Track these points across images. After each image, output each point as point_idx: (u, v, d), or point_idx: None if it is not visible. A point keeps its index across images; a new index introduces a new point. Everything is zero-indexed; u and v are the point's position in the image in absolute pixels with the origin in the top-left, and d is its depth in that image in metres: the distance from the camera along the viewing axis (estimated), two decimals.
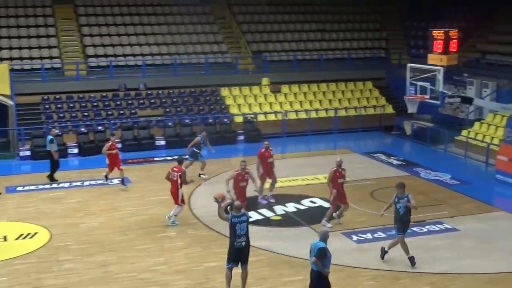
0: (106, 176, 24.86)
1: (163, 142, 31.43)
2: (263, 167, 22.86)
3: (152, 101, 34.29)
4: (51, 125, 30.71)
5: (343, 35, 41.73)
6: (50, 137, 25.79)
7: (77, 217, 21.53)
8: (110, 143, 24.57)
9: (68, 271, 17.21)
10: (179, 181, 20.56)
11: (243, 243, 15.46)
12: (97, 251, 18.57)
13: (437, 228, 20.42)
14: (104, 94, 34.00)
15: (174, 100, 34.71)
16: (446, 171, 26.88)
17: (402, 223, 17.45)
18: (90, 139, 30.70)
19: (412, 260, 17.56)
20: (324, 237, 14.16)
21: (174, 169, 20.84)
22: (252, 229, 20.07)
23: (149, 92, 34.76)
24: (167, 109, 33.86)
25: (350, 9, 43.81)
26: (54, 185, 25.21)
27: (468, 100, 29.03)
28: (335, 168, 20.30)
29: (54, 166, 25.74)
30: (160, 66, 36.46)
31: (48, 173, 25.71)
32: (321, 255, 13.87)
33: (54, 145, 25.57)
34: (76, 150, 30.20)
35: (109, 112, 32.92)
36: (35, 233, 20.00)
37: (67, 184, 25.39)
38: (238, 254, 15.51)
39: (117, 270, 17.23)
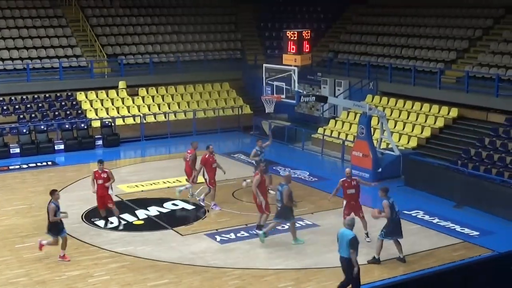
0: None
1: (17, 150, 30.40)
2: (208, 172, 22.41)
3: (5, 107, 33.11)
4: None
5: (199, 36, 41.78)
6: None
7: None
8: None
9: None
10: (190, 162, 22.81)
11: None
12: None
13: (298, 225, 20.77)
14: None
15: (28, 106, 33.65)
16: (304, 168, 27.49)
17: None
18: None
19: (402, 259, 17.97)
20: (352, 225, 15.37)
21: (188, 152, 23.22)
22: (114, 235, 20.06)
23: (0, 98, 33.53)
24: (21, 116, 32.78)
25: (205, 10, 43.90)
26: None
27: (322, 99, 29.77)
28: (343, 179, 19.36)
29: None
30: (11, 71, 35.22)
31: None
32: (356, 245, 15.07)
33: None
34: None
35: None
36: None
37: None
38: None
39: None
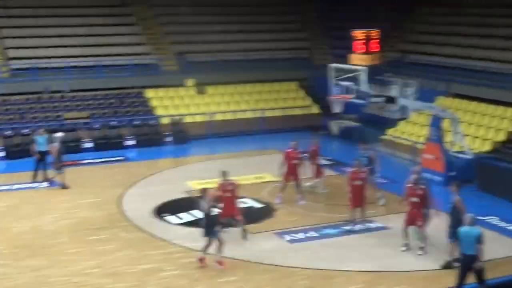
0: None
1: (90, 145, 30.95)
2: (287, 167, 22.73)
3: (78, 103, 33.75)
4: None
5: (268, 35, 41.77)
6: (38, 136, 25.39)
7: (7, 222, 21.09)
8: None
9: (0, 276, 16.79)
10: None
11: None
12: (29, 255, 18.19)
13: (368, 227, 20.65)
14: (28, 97, 33.30)
15: (100, 102, 34.23)
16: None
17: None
18: (16, 142, 29.98)
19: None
20: (473, 222, 15.30)
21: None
22: (184, 230, 20.22)
23: (74, 94, 34.18)
24: (93, 112, 33.36)
25: (273, 9, 43.89)
26: None
27: (392, 100, 29.41)
28: (409, 185, 18.81)
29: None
30: (84, 68, 35.87)
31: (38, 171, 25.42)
32: (483, 240, 15.02)
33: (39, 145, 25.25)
34: (2, 154, 29.53)
35: (34, 115, 32.24)
36: None
37: None
38: None
39: (50, 274, 16.90)
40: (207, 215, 17.16)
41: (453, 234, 16.78)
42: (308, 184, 23.99)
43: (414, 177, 18.94)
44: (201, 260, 17.37)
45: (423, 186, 18.72)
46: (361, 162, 21.05)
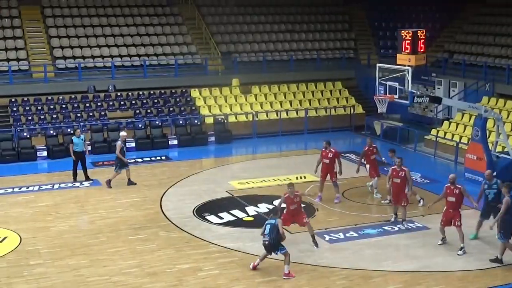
0: None
1: (133, 144, 31.23)
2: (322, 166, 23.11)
3: (122, 103, 34.11)
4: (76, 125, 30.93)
5: (312, 35, 41.82)
6: (74, 137, 25.72)
7: (47, 221, 21.31)
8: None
9: (39, 275, 17.02)
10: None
11: (266, 242, 17.01)
12: (68, 254, 18.39)
13: (408, 227, 20.53)
14: (72, 96, 33.74)
15: (144, 101, 34.56)
16: (416, 170, 26.95)
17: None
18: (59, 141, 30.36)
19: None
20: None
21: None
22: (224, 230, 20.34)
23: (118, 94, 34.57)
24: (137, 111, 33.69)
25: (319, 9, 43.91)
26: (23, 189, 24.90)
27: (436, 100, 29.17)
28: (447, 185, 18.96)
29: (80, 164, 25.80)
30: (129, 67, 36.28)
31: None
32: None
33: (74, 145, 25.51)
34: (45, 153, 29.88)
35: (78, 115, 32.67)
36: (5, 238, 19.77)
37: (36, 188, 25.13)
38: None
39: (89, 274, 17.08)
40: (276, 234, 17.02)
41: (504, 235, 17.34)
42: (368, 183, 23.97)
43: (451, 176, 19.01)
44: (255, 267, 17.40)
45: (459, 186, 18.77)
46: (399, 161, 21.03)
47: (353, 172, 23.91)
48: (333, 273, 17.26)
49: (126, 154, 25.48)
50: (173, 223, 20.97)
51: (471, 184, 25.37)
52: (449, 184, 18.80)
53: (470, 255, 18.34)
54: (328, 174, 22.96)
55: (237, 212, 22.00)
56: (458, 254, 18.37)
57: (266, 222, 17.26)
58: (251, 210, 22.29)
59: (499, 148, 26.74)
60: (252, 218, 21.56)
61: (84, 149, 25.82)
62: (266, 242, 17.00)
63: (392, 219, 20.95)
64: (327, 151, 22.95)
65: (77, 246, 19.00)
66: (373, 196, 23.57)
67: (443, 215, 18.94)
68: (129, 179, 25.31)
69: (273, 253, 17.18)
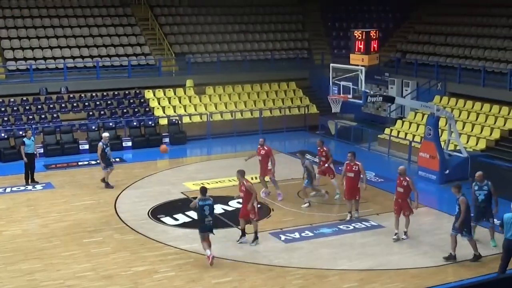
0: None
1: (86, 146, 30.92)
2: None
3: (75, 104, 33.74)
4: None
5: (266, 36, 41.88)
6: (25, 139, 25.39)
7: None
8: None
9: None
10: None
11: (210, 222, 17.64)
12: (21, 259, 18.14)
13: (363, 226, 20.70)
14: (24, 98, 33.27)
15: (97, 103, 34.23)
16: (370, 169, 27.13)
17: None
18: (10, 144, 29.91)
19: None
20: None
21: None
22: (179, 231, 20.26)
23: (71, 95, 34.19)
24: (90, 113, 33.36)
25: (272, 9, 43.99)
26: None
27: (389, 99, 29.44)
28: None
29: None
30: (81, 69, 35.88)
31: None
32: None
33: (26, 147, 25.18)
34: None
35: (30, 117, 32.23)
36: None
37: None
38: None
39: (42, 278, 16.87)
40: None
41: (464, 232, 17.83)
42: (336, 197, 23.61)
43: (401, 168, 19.88)
44: (211, 260, 17.61)
45: (408, 178, 19.52)
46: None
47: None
48: (289, 272, 17.32)
49: (79, 157, 25.21)
50: (128, 226, 20.83)
51: (424, 182, 25.77)
52: (398, 175, 19.61)
53: (425, 253, 18.56)
54: (262, 170, 23.74)
55: (192, 214, 21.84)
56: (402, 239, 19.43)
57: (203, 204, 17.52)
58: None
59: (451, 147, 27.13)
60: None
61: (35, 151, 25.51)
62: (211, 222, 17.63)
63: (348, 218, 21.12)
64: (261, 148, 23.64)
65: (30, 250, 18.74)
66: (334, 198, 23.58)
67: (394, 204, 19.77)
68: (104, 181, 25.19)
69: (210, 234, 17.74)
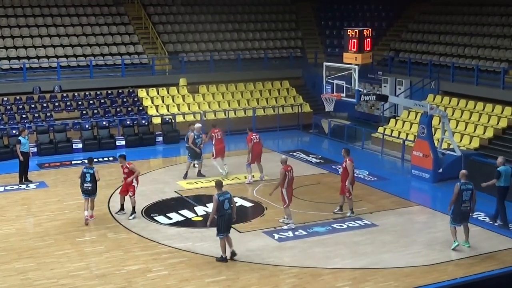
0: None
1: (80, 145, 30.89)
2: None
3: (68, 103, 33.69)
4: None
5: (259, 34, 41.91)
6: (21, 137, 25.33)
7: None
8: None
9: None
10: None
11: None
12: (15, 258, 18.11)
13: (357, 224, 20.72)
14: (17, 97, 33.21)
15: (91, 102, 34.18)
16: (363, 167, 27.23)
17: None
18: (4, 143, 29.82)
19: None
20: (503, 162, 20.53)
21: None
22: (173, 230, 20.26)
23: (64, 94, 34.14)
24: (84, 112, 33.32)
25: (266, 8, 44.02)
26: None
27: (383, 98, 29.48)
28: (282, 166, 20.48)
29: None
30: (75, 68, 35.85)
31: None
32: None
33: (21, 145, 25.14)
34: None
35: (24, 116, 32.17)
36: None
37: None
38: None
39: (36, 277, 16.85)
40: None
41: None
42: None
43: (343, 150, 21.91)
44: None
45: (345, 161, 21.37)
46: None
47: (300, 170, 23.97)
48: (282, 271, 17.34)
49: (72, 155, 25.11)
50: (122, 224, 20.81)
51: (418, 180, 25.81)
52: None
53: (418, 252, 18.59)
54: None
55: (186, 212, 21.93)
56: (348, 215, 21.27)
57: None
58: (200, 210, 22.22)
59: (444, 145, 27.17)
60: (201, 218, 21.47)
61: (29, 150, 25.49)
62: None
63: (348, 214, 21.41)
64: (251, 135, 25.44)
65: (24, 249, 18.72)
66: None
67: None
68: (199, 171, 26.37)
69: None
